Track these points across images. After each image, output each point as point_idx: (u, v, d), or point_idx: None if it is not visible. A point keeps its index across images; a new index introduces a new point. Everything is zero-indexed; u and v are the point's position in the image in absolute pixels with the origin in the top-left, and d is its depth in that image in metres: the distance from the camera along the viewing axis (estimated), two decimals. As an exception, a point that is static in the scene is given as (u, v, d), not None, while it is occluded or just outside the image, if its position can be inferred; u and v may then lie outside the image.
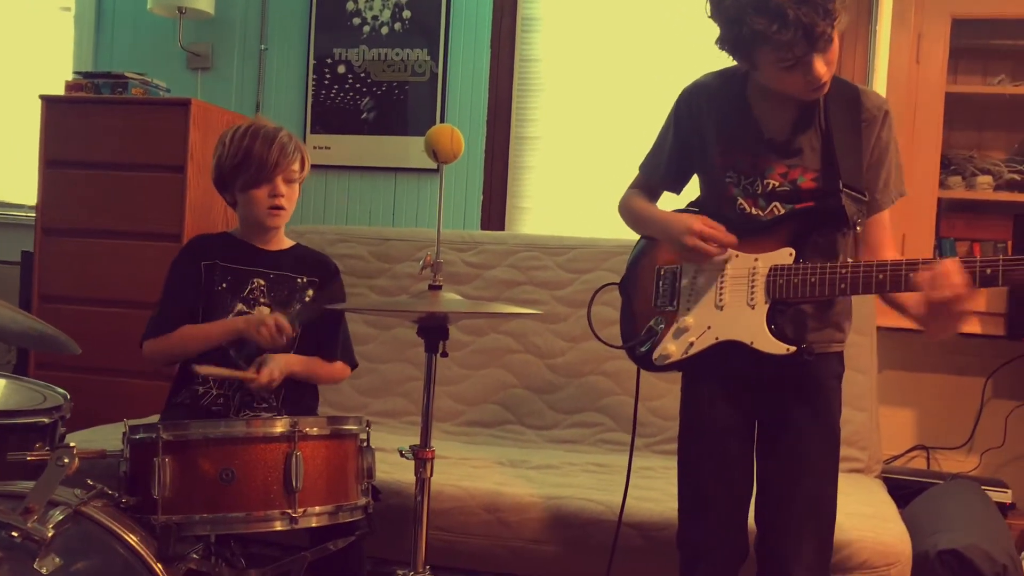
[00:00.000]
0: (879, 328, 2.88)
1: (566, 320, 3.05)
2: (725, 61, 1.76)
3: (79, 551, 1.44)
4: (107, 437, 2.30)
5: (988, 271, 1.54)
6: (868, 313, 2.80)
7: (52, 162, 3.34)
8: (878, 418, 2.83)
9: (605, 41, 3.49)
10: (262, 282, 2.18)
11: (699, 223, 1.76)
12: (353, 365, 2.33)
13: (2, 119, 4.01)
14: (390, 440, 2.36)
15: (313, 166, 3.62)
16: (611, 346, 1.97)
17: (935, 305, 1.56)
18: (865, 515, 2.19)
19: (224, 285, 2.17)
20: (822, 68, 1.64)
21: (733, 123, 1.83)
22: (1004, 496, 2.81)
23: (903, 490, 2.74)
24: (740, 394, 1.83)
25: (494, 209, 3.57)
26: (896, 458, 3.17)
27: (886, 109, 1.79)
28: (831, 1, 1.57)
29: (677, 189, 1.98)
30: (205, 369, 2.02)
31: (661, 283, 1.88)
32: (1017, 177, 2.96)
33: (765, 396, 1.82)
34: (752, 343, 1.74)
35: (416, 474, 1.78)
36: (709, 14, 1.69)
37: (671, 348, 1.83)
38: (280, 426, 1.63)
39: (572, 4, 3.53)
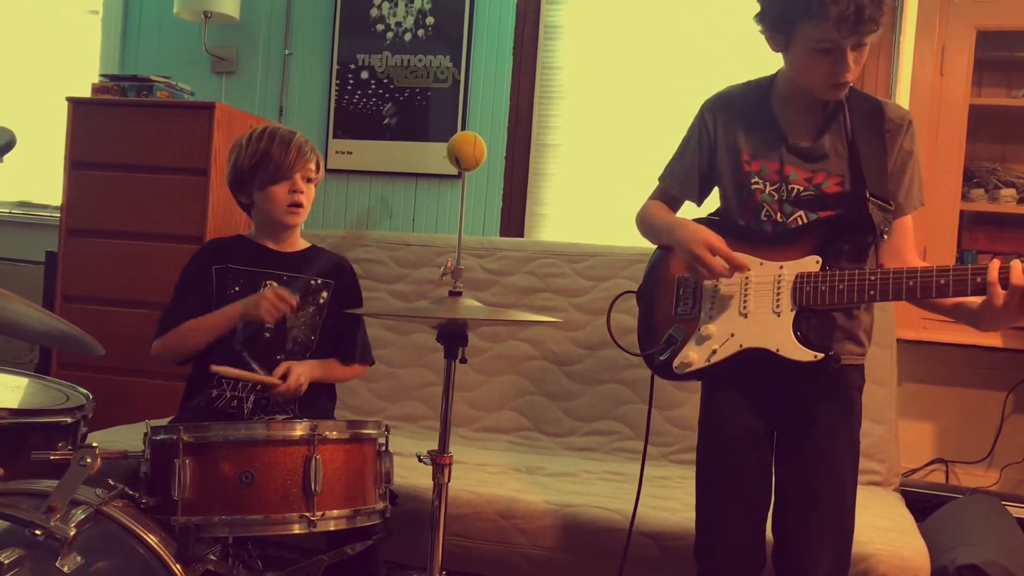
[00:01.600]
0: (899, 340, 2.86)
1: (584, 328, 3.05)
2: (745, 68, 1.78)
3: (100, 550, 1.45)
4: (128, 437, 2.32)
5: None
6: (888, 325, 2.79)
7: (77, 163, 3.37)
8: (897, 431, 2.81)
9: (627, 49, 3.49)
10: (275, 284, 2.19)
11: (716, 239, 1.76)
12: (371, 363, 2.35)
13: (29, 121, 4.06)
14: (407, 444, 2.37)
15: (335, 171, 3.70)
16: (631, 353, 1.96)
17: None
18: (883, 528, 2.18)
19: (237, 288, 2.17)
20: (851, 62, 1.67)
21: (759, 130, 1.84)
22: (1024, 512, 2.79)
23: (922, 504, 2.72)
24: (761, 403, 1.82)
25: (513, 215, 3.57)
26: (915, 471, 3.14)
27: (909, 119, 1.81)
28: None
29: (699, 199, 1.98)
30: (226, 370, 2.02)
31: (681, 290, 1.88)
32: (1041, 190, 2.94)
33: (787, 405, 1.82)
34: (778, 350, 1.74)
35: (434, 479, 1.78)
36: None
37: (692, 356, 1.83)
38: (300, 429, 1.64)
39: (594, 12, 3.54)
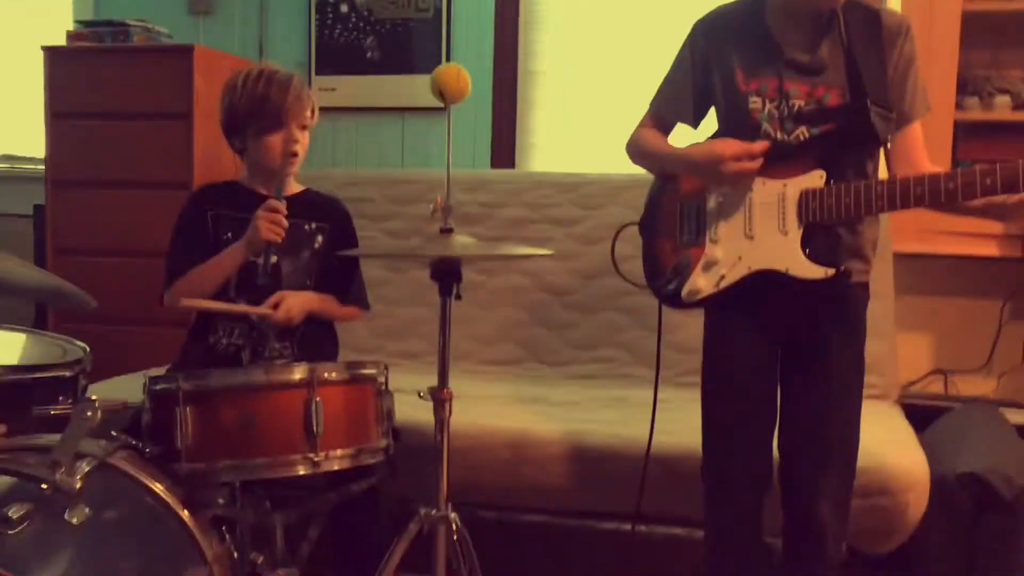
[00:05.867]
0: (895, 253, 2.86)
1: (580, 257, 3.04)
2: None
3: (107, 501, 1.46)
4: (129, 387, 2.32)
5: None
6: (883, 239, 2.77)
7: (58, 114, 3.32)
8: (895, 344, 2.83)
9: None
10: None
11: (729, 148, 1.74)
12: (367, 307, 2.34)
13: (6, 72, 3.98)
14: (410, 380, 2.35)
15: (321, 109, 3.62)
16: (637, 286, 1.95)
17: None
18: (883, 441, 2.20)
19: (230, 235, 2.14)
20: None
21: (754, 48, 1.81)
22: (1022, 417, 2.81)
23: (922, 414, 2.75)
24: (767, 326, 1.82)
25: (503, 146, 3.52)
26: (914, 383, 3.17)
27: (908, 24, 1.78)
28: None
29: (695, 122, 1.94)
30: (218, 305, 2.01)
31: (685, 219, 1.87)
32: (1036, 96, 2.90)
33: (794, 326, 1.82)
34: (787, 270, 1.72)
35: (435, 415, 1.80)
36: None
37: (701, 283, 1.81)
38: (298, 373, 1.64)
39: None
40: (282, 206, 2.02)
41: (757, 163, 1.74)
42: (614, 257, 1.99)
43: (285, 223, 2.02)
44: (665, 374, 2.83)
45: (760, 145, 1.74)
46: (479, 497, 2.32)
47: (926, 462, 2.14)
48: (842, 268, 1.70)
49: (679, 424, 2.31)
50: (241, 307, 2.05)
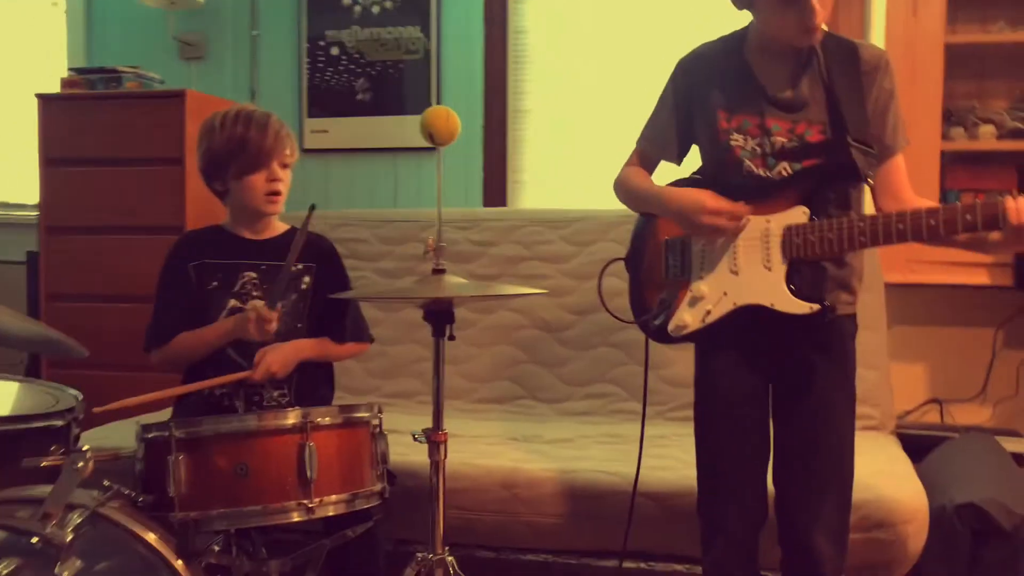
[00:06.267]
0: (886, 284, 2.87)
1: (573, 293, 3.05)
2: (720, 23, 1.75)
3: (99, 553, 1.45)
4: (122, 434, 2.31)
5: None
6: (874, 270, 2.79)
7: (51, 160, 3.33)
8: (889, 375, 2.83)
9: (595, 6, 3.45)
10: (253, 275, 2.15)
11: (711, 200, 1.75)
12: (370, 340, 2.32)
13: (0, 119, 4.01)
14: (404, 421, 2.35)
15: (312, 151, 3.66)
16: (624, 321, 1.96)
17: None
18: (881, 473, 2.19)
19: (215, 283, 2.14)
20: (817, 5, 1.65)
21: (735, 85, 1.82)
22: (1019, 445, 2.80)
23: (918, 444, 2.74)
24: (756, 360, 1.83)
25: (495, 184, 3.54)
26: (910, 412, 3.16)
27: (886, 59, 1.80)
28: None
29: (678, 160, 1.96)
30: (200, 385, 2.00)
31: (670, 254, 1.87)
32: (1020, 125, 2.92)
33: (783, 359, 1.82)
34: (772, 305, 1.73)
35: (430, 457, 1.79)
36: None
37: (687, 318, 1.82)
38: (292, 418, 1.63)
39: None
40: (274, 316, 1.99)
41: (735, 224, 1.75)
42: (601, 293, 1.99)
43: (273, 328, 1.99)
44: (659, 409, 2.86)
45: (744, 208, 1.75)
46: (476, 537, 2.30)
47: (924, 493, 2.14)
48: (826, 303, 1.71)
49: (673, 460, 2.31)
50: (216, 381, 2.00)
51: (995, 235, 1.62)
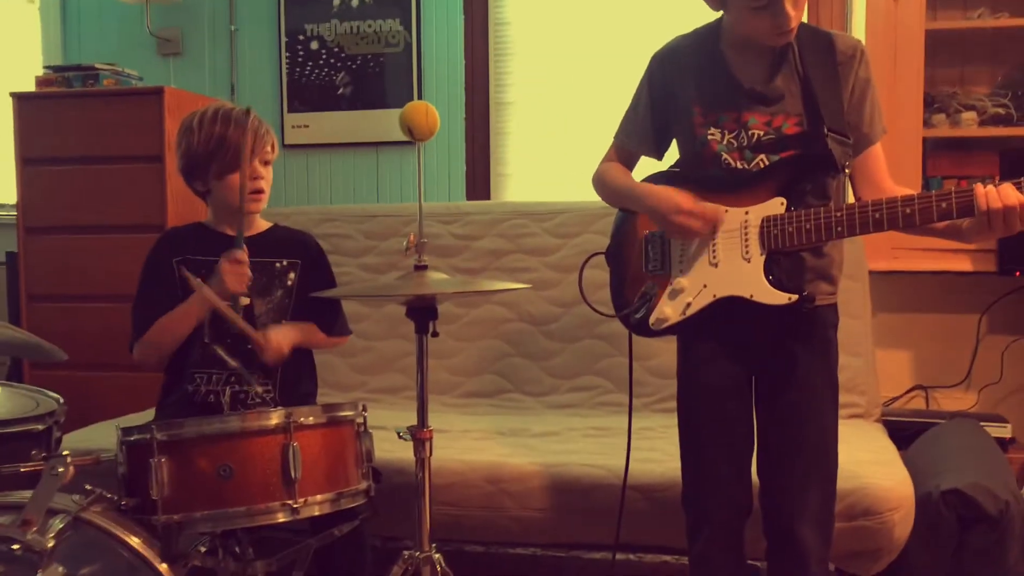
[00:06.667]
0: (871, 272, 2.88)
1: (557, 286, 3.04)
2: (698, 19, 1.74)
3: (82, 558, 1.44)
4: (104, 436, 2.30)
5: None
6: (858, 258, 2.80)
7: (28, 160, 3.30)
8: (875, 362, 2.83)
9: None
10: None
11: (687, 202, 1.75)
12: (349, 332, 2.31)
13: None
14: (390, 418, 2.36)
15: (294, 146, 3.64)
16: (605, 315, 1.95)
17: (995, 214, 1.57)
18: (866, 461, 2.20)
19: (199, 280, 2.13)
20: (791, 10, 1.65)
21: (711, 79, 1.81)
22: (1003, 431, 2.83)
23: (904, 431, 2.76)
24: (738, 351, 1.83)
25: (478, 178, 3.53)
26: (895, 400, 3.18)
27: (861, 48, 1.80)
28: None
29: (658, 154, 1.95)
30: (229, 313, 1.92)
31: (650, 248, 1.87)
32: (1001, 111, 2.93)
33: (764, 350, 1.82)
34: (752, 296, 1.74)
35: (416, 454, 1.79)
36: None
37: (667, 311, 1.82)
38: (275, 418, 1.62)
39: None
40: (244, 254, 1.98)
41: (706, 227, 1.75)
42: (581, 287, 1.99)
43: (249, 271, 1.99)
44: (646, 401, 2.86)
45: (720, 214, 1.75)
46: (463, 533, 2.30)
47: (910, 481, 2.14)
48: (805, 293, 1.72)
49: (660, 452, 2.31)
50: (240, 323, 1.95)
51: (966, 222, 1.63)
